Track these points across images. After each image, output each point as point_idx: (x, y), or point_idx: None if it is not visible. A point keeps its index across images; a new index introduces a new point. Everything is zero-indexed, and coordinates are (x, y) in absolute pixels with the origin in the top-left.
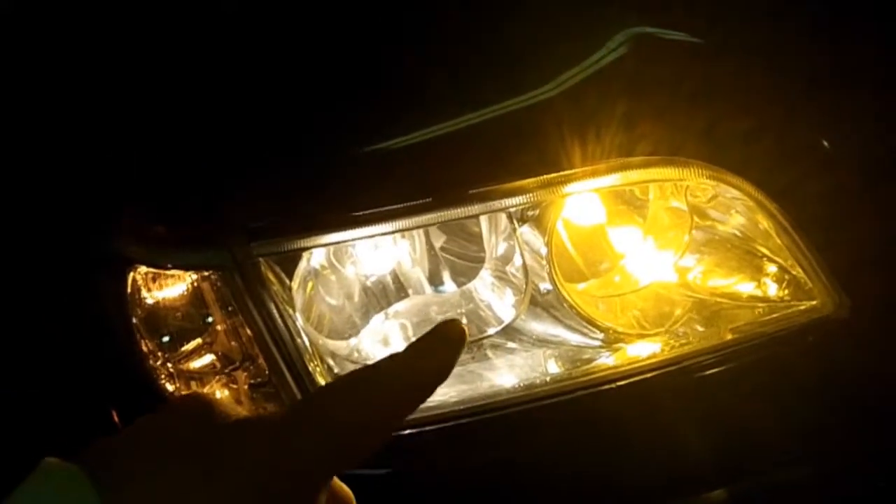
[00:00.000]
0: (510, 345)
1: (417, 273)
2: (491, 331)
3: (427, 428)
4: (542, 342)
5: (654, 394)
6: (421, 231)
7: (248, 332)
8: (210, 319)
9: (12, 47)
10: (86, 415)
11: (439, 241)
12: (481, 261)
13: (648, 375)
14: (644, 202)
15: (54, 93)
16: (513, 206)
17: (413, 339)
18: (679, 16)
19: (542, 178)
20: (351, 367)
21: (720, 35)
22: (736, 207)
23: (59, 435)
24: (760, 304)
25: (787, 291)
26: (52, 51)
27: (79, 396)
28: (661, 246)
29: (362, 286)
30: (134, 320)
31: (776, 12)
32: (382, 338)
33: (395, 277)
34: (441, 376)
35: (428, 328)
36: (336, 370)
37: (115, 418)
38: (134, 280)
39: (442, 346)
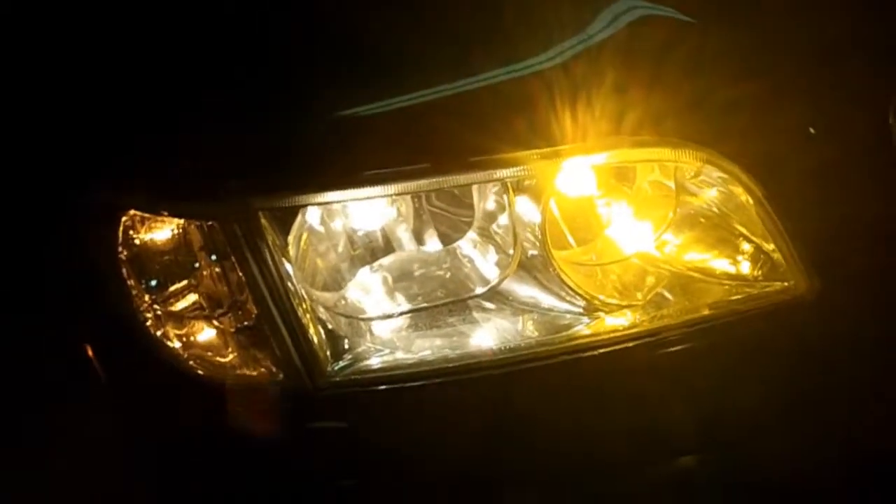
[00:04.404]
0: (494, 307)
1: (404, 230)
2: (478, 290)
3: (408, 385)
4: (526, 306)
5: (631, 363)
6: None
7: (241, 278)
8: (198, 264)
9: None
10: (62, 348)
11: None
12: (468, 217)
13: (627, 345)
14: (632, 175)
15: (59, 39)
16: (510, 177)
17: (394, 291)
18: None
19: (541, 150)
20: (337, 318)
21: (713, 14)
22: (718, 186)
23: (35, 368)
24: (734, 281)
25: (761, 271)
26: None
27: (59, 331)
28: (643, 218)
29: (352, 241)
30: (122, 261)
31: None
32: (369, 287)
33: (384, 234)
34: None
35: (407, 283)
36: (324, 317)
37: (90, 353)
38: (124, 223)
39: None
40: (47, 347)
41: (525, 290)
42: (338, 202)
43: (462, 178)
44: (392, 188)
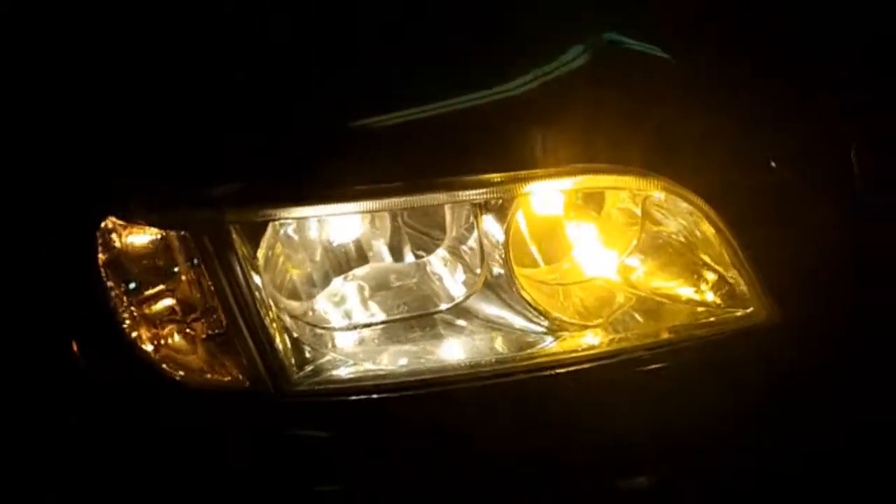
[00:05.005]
0: (460, 323)
1: (379, 243)
2: (443, 306)
3: (372, 396)
4: (491, 323)
5: (592, 383)
6: None
7: (211, 286)
8: (176, 269)
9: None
10: (47, 344)
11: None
12: (441, 238)
13: (588, 365)
14: (601, 199)
15: (49, 51)
16: (478, 198)
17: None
18: (650, 29)
19: (508, 174)
20: (304, 328)
21: (679, 45)
22: (683, 215)
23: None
24: (697, 307)
25: (723, 298)
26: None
27: (42, 327)
28: (609, 243)
29: (325, 252)
30: (101, 264)
31: (732, 28)
32: (339, 298)
33: (358, 245)
34: None
35: (376, 296)
36: (291, 327)
37: (75, 348)
38: (104, 226)
39: None
40: (33, 346)
41: (491, 308)
42: (307, 217)
43: (431, 198)
44: (363, 205)
